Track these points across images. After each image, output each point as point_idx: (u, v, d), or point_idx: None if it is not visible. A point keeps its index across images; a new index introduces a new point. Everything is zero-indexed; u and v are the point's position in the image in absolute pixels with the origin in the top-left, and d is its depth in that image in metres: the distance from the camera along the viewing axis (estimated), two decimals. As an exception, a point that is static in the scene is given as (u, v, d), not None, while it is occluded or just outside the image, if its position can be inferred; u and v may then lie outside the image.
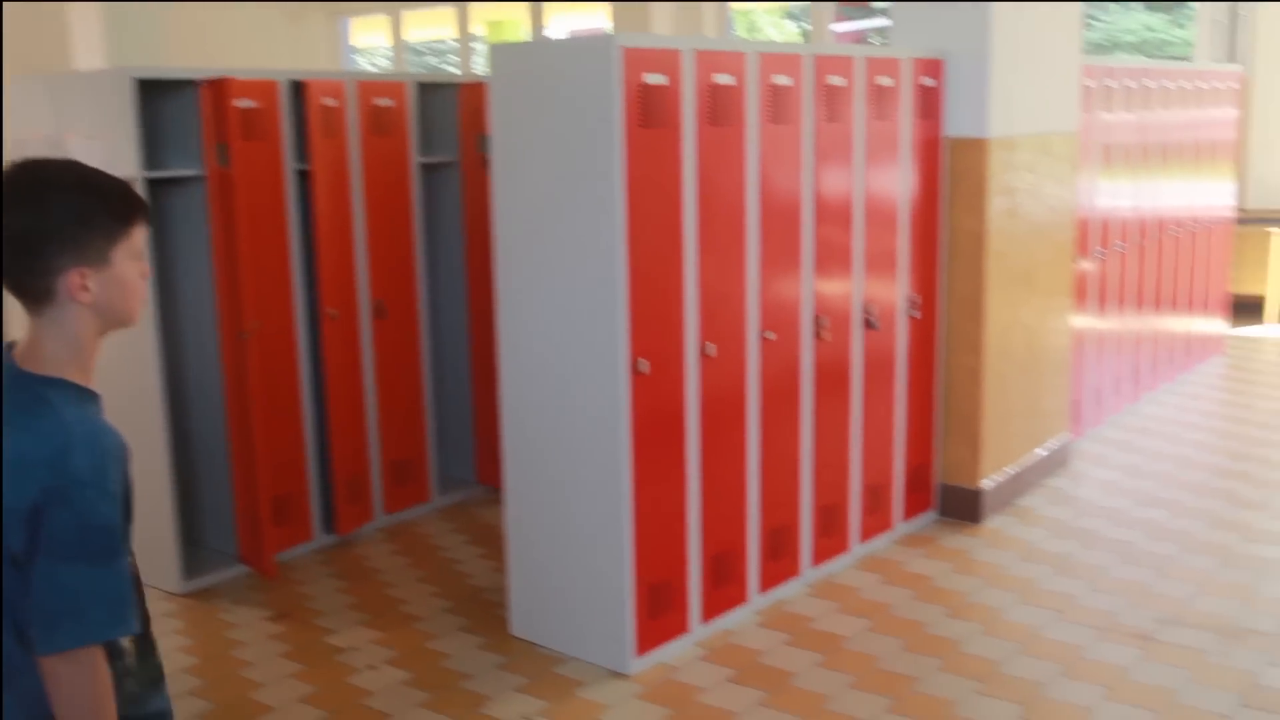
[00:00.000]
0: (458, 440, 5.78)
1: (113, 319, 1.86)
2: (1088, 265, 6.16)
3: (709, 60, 3.86)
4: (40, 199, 1.77)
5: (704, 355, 3.96)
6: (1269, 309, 9.47)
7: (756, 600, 4.37)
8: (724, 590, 4.21)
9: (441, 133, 5.51)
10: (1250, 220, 9.55)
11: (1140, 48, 14.68)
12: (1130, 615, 4.31)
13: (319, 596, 4.64)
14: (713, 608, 4.18)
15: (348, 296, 5.06)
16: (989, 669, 3.93)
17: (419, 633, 4.30)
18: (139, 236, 1.86)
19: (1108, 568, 4.74)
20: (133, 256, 1.85)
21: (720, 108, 3.91)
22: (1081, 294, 6.11)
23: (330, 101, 4.87)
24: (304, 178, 4.90)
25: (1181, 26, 14.28)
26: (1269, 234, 9.38)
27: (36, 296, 1.80)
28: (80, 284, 1.79)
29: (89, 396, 1.85)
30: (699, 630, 4.14)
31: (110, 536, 1.75)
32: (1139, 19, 15.02)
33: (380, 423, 5.26)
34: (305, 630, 4.34)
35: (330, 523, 5.14)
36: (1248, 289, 9.39)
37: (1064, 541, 5.02)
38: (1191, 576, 4.62)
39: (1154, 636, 4.13)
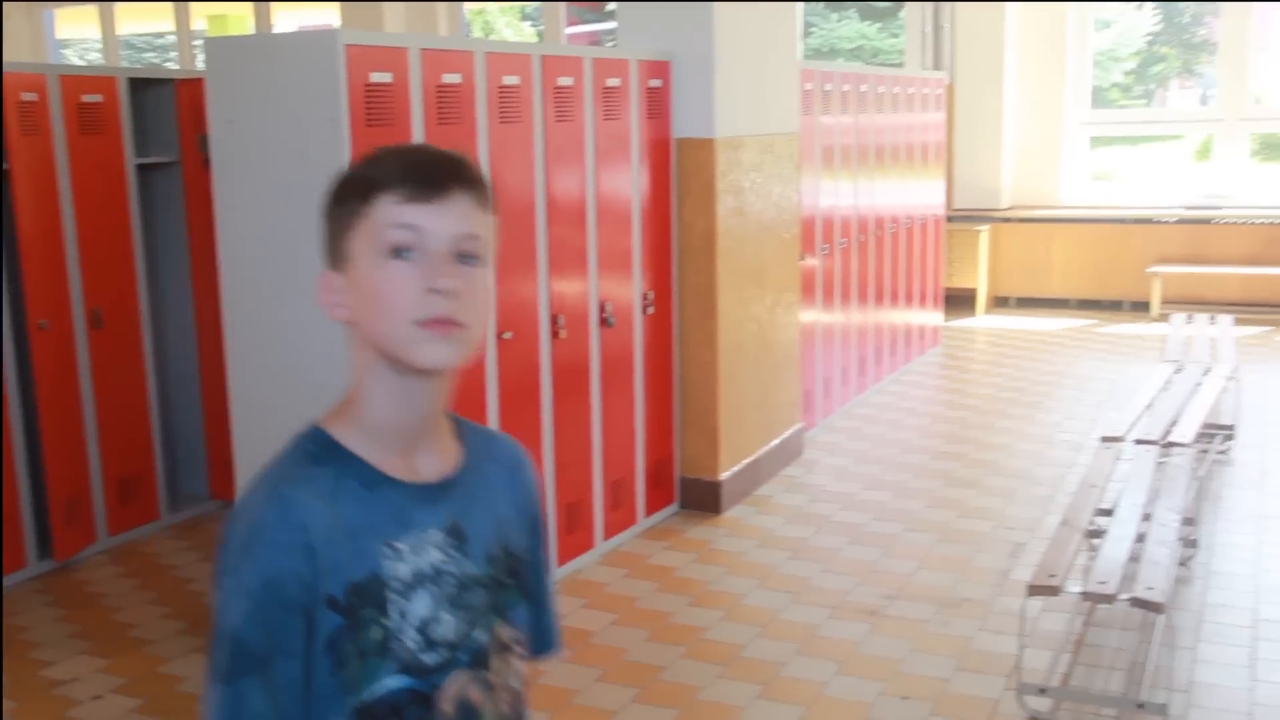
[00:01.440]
0: (190, 454, 5.53)
1: (370, 337, 1.31)
2: (813, 261, 6.43)
3: (436, 59, 3.83)
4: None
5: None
6: (980, 301, 10.14)
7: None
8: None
9: (160, 132, 5.25)
10: (959, 218, 10.21)
11: (857, 54, 15.46)
12: (860, 593, 4.52)
13: (34, 627, 4.34)
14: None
15: (60, 305, 4.75)
16: (730, 653, 4.05)
17: (150, 657, 4.09)
18: (390, 212, 1.29)
19: (839, 549, 4.96)
20: (370, 242, 1.29)
21: (449, 107, 3.89)
22: (809, 289, 6.37)
23: (30, 96, 4.57)
24: (4, 177, 4.58)
25: (894, 36, 15.13)
26: (977, 232, 10.04)
27: None
28: (326, 292, 1.35)
29: (328, 456, 1.33)
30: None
31: (227, 648, 1.26)
32: (855, 28, 15.82)
33: (101, 439, 4.97)
34: (19, 665, 4.05)
35: (47, 548, 4.82)
36: (960, 283, 10.03)
37: (799, 527, 5.23)
38: (913, 553, 4.89)
39: (881, 611, 4.35)
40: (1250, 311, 9.30)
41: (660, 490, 5.29)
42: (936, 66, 10.35)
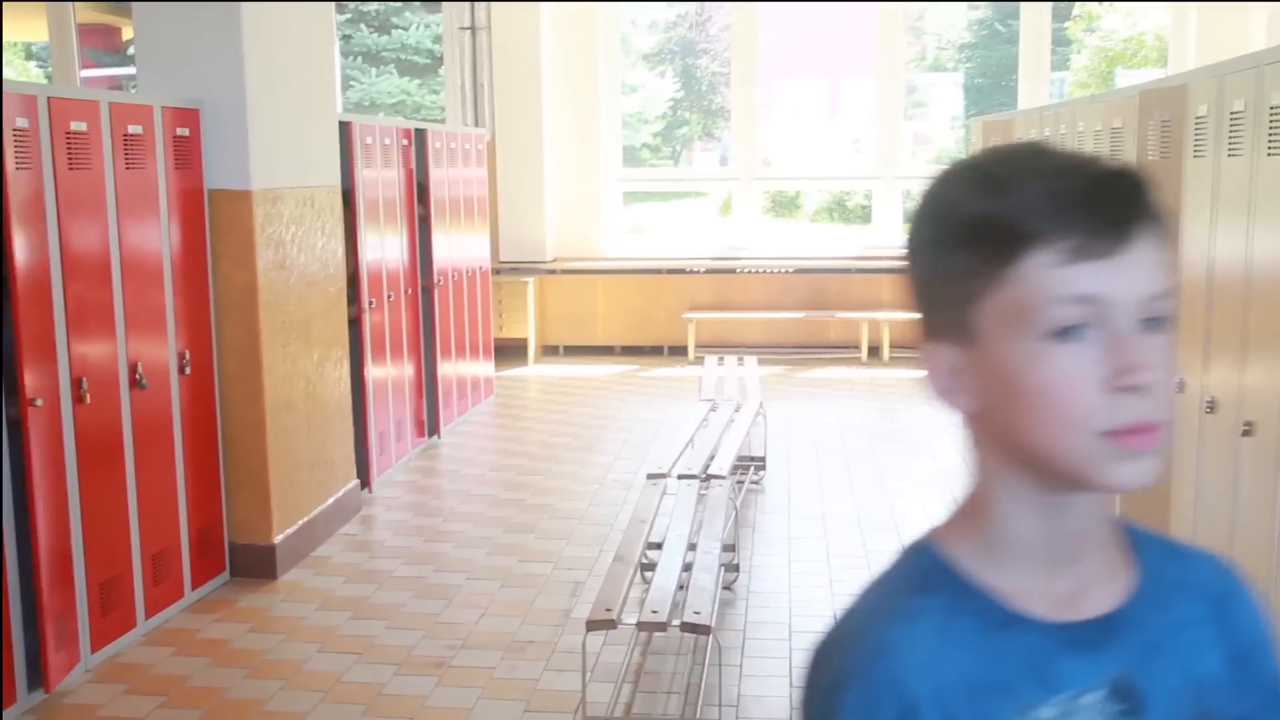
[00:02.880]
0: None
1: (1020, 445, 0.94)
2: (363, 315, 6.33)
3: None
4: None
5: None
6: (531, 350, 10.40)
7: (26, 698, 3.91)
8: (-14, 694, 3.72)
9: None
10: (507, 270, 10.45)
11: (399, 109, 15.53)
12: (425, 646, 4.45)
13: None
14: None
15: None
16: (291, 724, 3.86)
17: None
18: (1052, 282, 0.89)
19: (402, 604, 4.87)
20: (1016, 320, 0.91)
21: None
22: (360, 344, 6.26)
23: None
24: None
25: (435, 92, 15.33)
26: (524, 283, 10.31)
27: None
28: (937, 371, 0.97)
29: (939, 582, 0.97)
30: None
31: None
32: (395, 83, 15.89)
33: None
34: None
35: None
36: (511, 333, 10.24)
37: (360, 585, 5.09)
38: (477, 601, 4.89)
39: (448, 663, 4.31)
40: (771, 352, 10.14)
41: (208, 559, 4.97)
42: (478, 123, 10.58)
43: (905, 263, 0.98)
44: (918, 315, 0.98)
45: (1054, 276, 0.88)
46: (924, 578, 0.97)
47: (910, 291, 0.98)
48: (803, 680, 0.99)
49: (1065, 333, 0.88)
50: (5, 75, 14.19)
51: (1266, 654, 1.03)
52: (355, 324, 6.20)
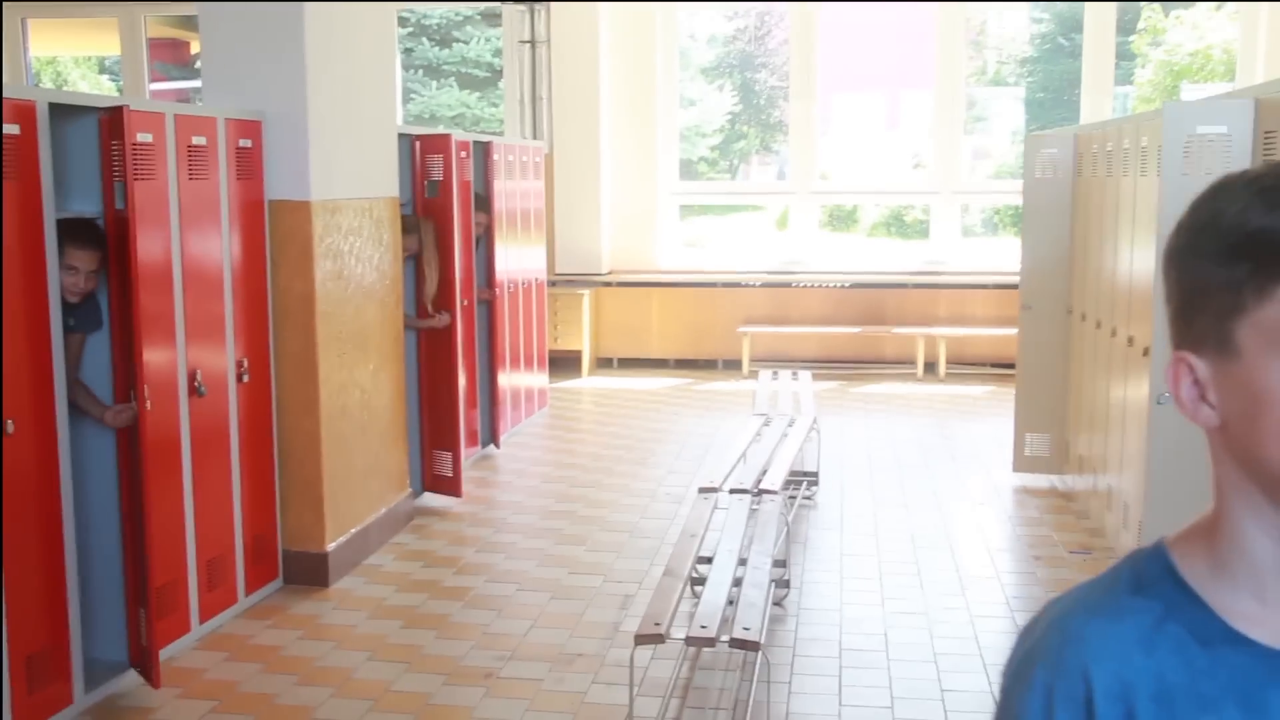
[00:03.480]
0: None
1: (1263, 465, 0.93)
2: (427, 325, 6.37)
3: (-7, 108, 3.50)
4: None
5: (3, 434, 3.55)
6: (585, 363, 10.43)
7: (83, 699, 3.97)
8: (49, 690, 3.78)
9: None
10: (562, 283, 10.49)
11: (458, 121, 15.65)
12: (474, 657, 4.47)
13: None
14: (39, 709, 3.73)
15: None
16: (340, 731, 3.89)
17: None
18: None
19: (452, 614, 4.89)
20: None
21: (11, 161, 3.55)
22: (421, 354, 6.30)
23: None
24: None
25: (494, 105, 15.44)
26: (580, 295, 10.35)
27: None
28: (1185, 383, 0.97)
29: (1159, 587, 0.98)
30: (15, 744, 3.67)
31: None
32: (455, 96, 16.03)
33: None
34: None
35: None
36: (566, 345, 10.28)
37: (411, 595, 5.12)
38: (527, 613, 4.90)
39: (496, 674, 4.32)
40: (826, 367, 10.09)
41: (262, 566, 5.03)
42: (535, 136, 10.64)
43: (1167, 268, 0.98)
44: (1172, 321, 0.98)
45: None
46: (1142, 580, 0.98)
47: (1168, 298, 0.98)
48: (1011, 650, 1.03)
49: None
50: (80, 88, 14.49)
51: None
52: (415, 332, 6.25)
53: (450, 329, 6.30)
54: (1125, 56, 14.02)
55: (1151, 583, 0.98)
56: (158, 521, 4.29)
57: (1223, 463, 0.97)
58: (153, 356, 4.25)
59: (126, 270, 3.92)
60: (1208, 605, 0.95)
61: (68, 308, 3.86)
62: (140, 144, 4.14)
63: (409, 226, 6.07)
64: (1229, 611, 0.95)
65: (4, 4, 10.49)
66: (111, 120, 3.88)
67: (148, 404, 3.98)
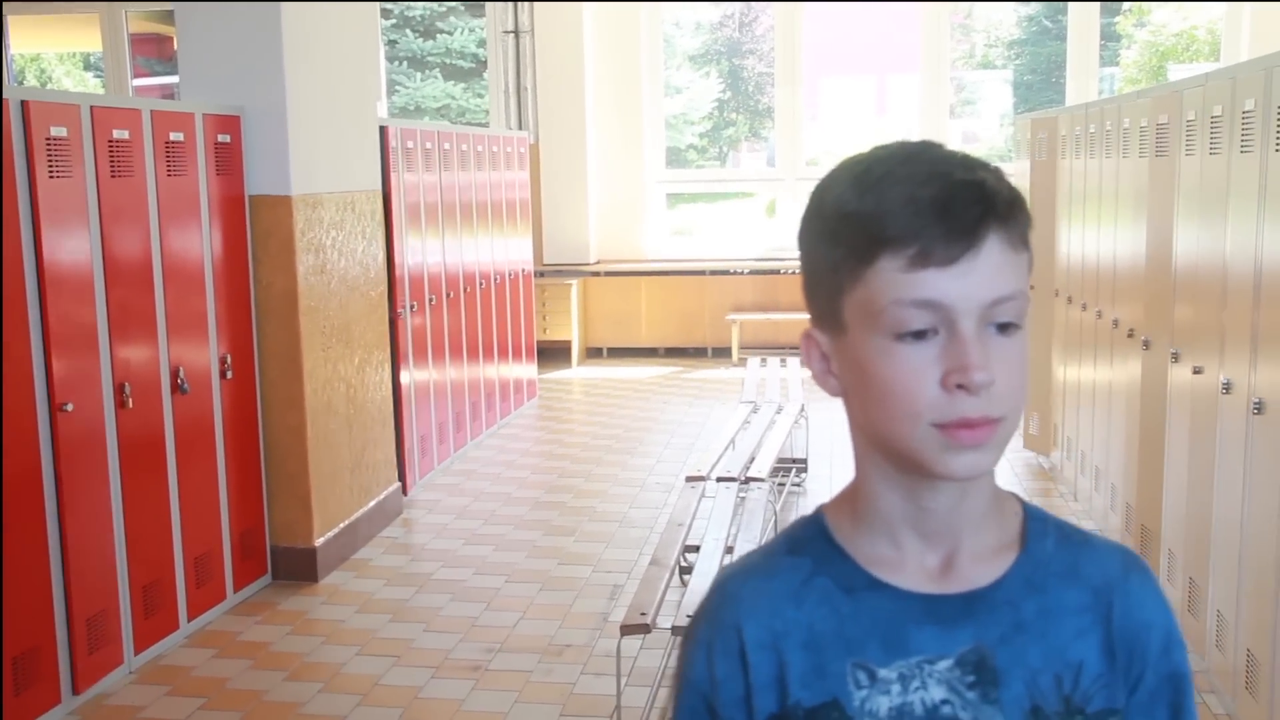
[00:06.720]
0: None
1: (871, 429, 1.01)
2: (404, 319, 6.36)
3: (-34, 107, 3.48)
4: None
5: (-16, 434, 3.54)
6: (574, 353, 10.42)
7: (71, 700, 3.97)
8: (34, 690, 3.77)
9: None
10: (550, 273, 10.47)
11: (443, 113, 15.61)
12: (463, 650, 4.46)
13: None
14: (26, 710, 3.72)
15: None
16: (328, 727, 3.88)
17: None
18: (898, 286, 0.95)
19: (441, 608, 4.89)
20: (870, 317, 0.97)
21: (-16, 160, 3.54)
22: (401, 347, 6.29)
23: None
24: None
25: (479, 96, 15.40)
26: (568, 285, 10.33)
27: None
28: (812, 356, 1.05)
29: (811, 545, 1.07)
30: (2, 745, 3.67)
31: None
32: (440, 87, 15.99)
33: None
34: None
35: None
36: (555, 335, 10.27)
37: (400, 588, 5.11)
38: (516, 604, 4.90)
39: (485, 666, 4.32)
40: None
41: (250, 562, 5.02)
42: (521, 126, 10.61)
43: (799, 249, 1.04)
44: (805, 299, 1.04)
45: (901, 284, 0.93)
46: (797, 541, 1.07)
47: (801, 278, 1.05)
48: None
49: (909, 334, 0.94)
50: (65, 85, 14.42)
51: (1148, 650, 1.05)
52: (394, 326, 6.24)
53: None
54: (1111, 38, 14.01)
55: (804, 543, 1.06)
56: (141, 519, 4.29)
57: (853, 428, 1.04)
58: (134, 354, 4.23)
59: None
60: (852, 558, 1.04)
61: None
62: (117, 141, 4.12)
63: None
64: (871, 561, 1.03)
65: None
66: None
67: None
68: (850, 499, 1.06)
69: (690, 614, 3.65)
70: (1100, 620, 1.04)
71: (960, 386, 0.94)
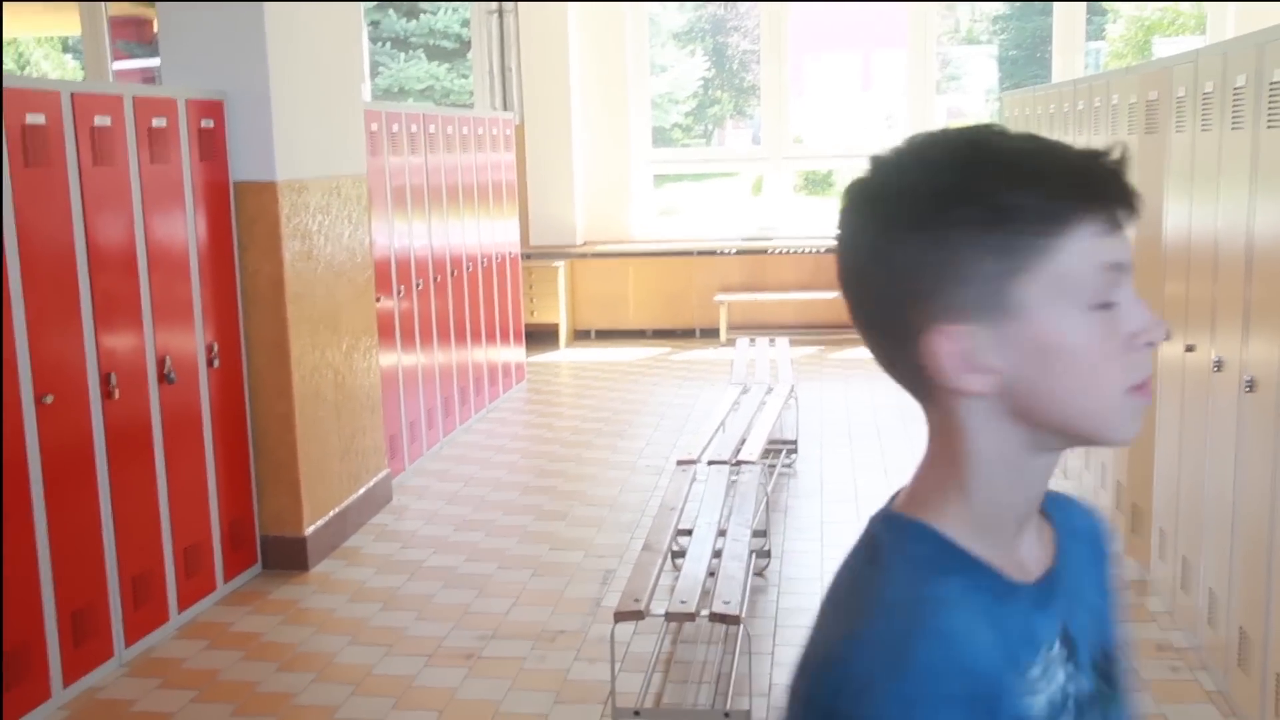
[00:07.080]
0: None
1: (1050, 412, 0.96)
2: (390, 304, 6.32)
3: (-56, 97, 3.43)
4: (876, 201, 1.03)
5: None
6: (562, 335, 10.38)
7: (61, 694, 3.94)
8: (23, 685, 3.74)
9: None
10: (537, 255, 10.42)
11: (428, 94, 15.52)
12: (456, 637, 4.45)
13: None
14: (17, 705, 3.70)
15: None
16: (324, 716, 3.86)
17: None
18: (1096, 251, 0.95)
19: (433, 595, 4.87)
20: (1063, 290, 0.94)
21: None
22: (388, 332, 6.25)
23: None
24: None
25: (464, 77, 15.31)
26: (555, 268, 10.29)
27: (906, 382, 1.03)
28: (951, 354, 0.96)
29: (950, 561, 0.98)
30: (-7, 740, 3.64)
31: None
32: (424, 68, 15.88)
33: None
34: None
35: None
36: (542, 318, 10.23)
37: (391, 576, 5.09)
38: (508, 591, 4.88)
39: (478, 653, 4.30)
40: (803, 333, 10.07)
41: (240, 552, 4.99)
42: (506, 107, 10.55)
43: (887, 250, 0.98)
44: (907, 301, 0.97)
45: (1098, 248, 0.94)
46: (934, 559, 0.98)
47: (893, 279, 0.98)
48: (804, 693, 0.93)
49: (1102, 304, 0.94)
50: (43, 71, 14.29)
51: (1114, 584, 1.15)
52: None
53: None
54: (1096, 12, 13.98)
55: (943, 559, 0.98)
56: (128, 510, 4.25)
57: (980, 421, 0.98)
58: (120, 344, 4.19)
59: None
60: (991, 567, 0.99)
61: None
62: (99, 128, 4.07)
63: None
64: (997, 564, 1.00)
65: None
66: None
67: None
68: (947, 501, 1.00)
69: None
70: (1099, 571, 1.12)
71: (1146, 345, 0.96)
